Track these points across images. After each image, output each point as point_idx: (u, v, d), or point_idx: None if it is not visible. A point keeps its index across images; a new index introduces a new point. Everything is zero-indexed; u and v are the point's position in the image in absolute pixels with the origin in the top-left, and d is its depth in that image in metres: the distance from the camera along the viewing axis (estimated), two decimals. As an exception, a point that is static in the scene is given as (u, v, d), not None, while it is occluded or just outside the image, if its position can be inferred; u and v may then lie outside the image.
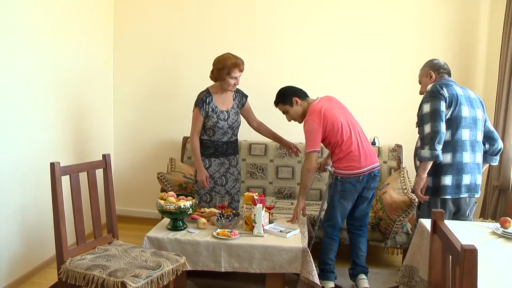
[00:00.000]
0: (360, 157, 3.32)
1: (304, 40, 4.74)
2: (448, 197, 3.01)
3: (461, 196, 3.02)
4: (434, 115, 2.93)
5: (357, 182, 3.32)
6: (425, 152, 2.93)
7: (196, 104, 3.57)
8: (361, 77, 4.68)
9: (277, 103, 3.50)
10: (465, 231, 2.65)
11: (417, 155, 3.02)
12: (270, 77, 4.70)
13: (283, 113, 3.51)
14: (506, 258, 2.23)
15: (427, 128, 2.93)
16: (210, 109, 3.54)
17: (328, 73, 4.73)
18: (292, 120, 3.53)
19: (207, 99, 3.55)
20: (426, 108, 2.97)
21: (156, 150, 5.04)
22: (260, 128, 3.84)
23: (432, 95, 2.97)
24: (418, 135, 3.05)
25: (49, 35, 3.78)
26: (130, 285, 2.37)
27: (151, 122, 5.03)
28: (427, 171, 3.00)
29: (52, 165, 2.61)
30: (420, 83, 3.29)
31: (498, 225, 2.67)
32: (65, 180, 2.71)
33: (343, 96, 4.67)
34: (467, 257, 1.47)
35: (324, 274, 3.44)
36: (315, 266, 2.98)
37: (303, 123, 3.39)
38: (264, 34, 4.78)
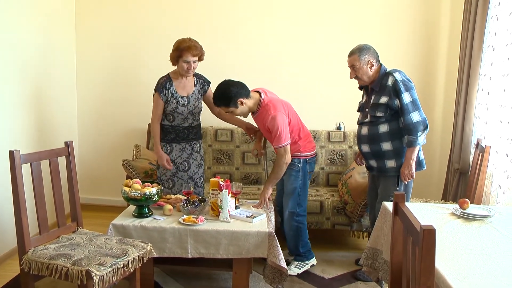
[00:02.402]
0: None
1: (267, 27, 4.73)
2: (424, 168, 3.38)
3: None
4: (416, 104, 3.18)
5: (316, 160, 3.68)
6: (421, 138, 3.18)
7: (156, 89, 3.53)
8: (325, 64, 4.72)
9: (219, 105, 3.33)
10: (426, 213, 2.73)
11: (409, 141, 3.17)
12: (233, 63, 4.69)
13: (226, 112, 3.40)
14: (464, 238, 2.31)
15: (416, 117, 3.15)
16: (170, 94, 3.51)
17: (293, 61, 4.74)
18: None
19: (167, 84, 3.51)
20: (407, 98, 3.15)
21: (121, 137, 4.97)
22: (221, 113, 3.76)
23: (407, 84, 3.18)
24: (404, 123, 3.17)
25: (8, 18, 3.65)
26: (95, 274, 2.35)
27: (116, 108, 4.95)
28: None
29: (12, 153, 2.54)
30: (351, 68, 3.31)
31: (457, 206, 2.76)
32: (26, 169, 2.65)
33: (308, 83, 4.75)
34: (426, 237, 1.51)
35: (310, 253, 3.63)
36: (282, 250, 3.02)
37: (270, 118, 3.25)
38: (228, 20, 4.74)
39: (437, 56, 4.68)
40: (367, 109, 3.36)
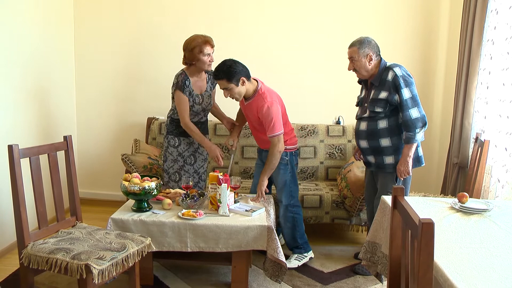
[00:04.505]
0: None
1: (265, 21, 4.72)
2: (423, 164, 3.34)
3: None
4: (416, 100, 3.13)
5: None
6: (420, 135, 3.13)
7: (177, 88, 3.47)
8: (324, 58, 4.71)
9: (221, 77, 3.26)
10: (425, 206, 2.73)
11: (407, 138, 3.13)
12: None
13: (223, 88, 3.31)
14: (462, 231, 2.31)
15: (415, 113, 3.11)
16: (187, 93, 3.50)
17: (292, 55, 4.73)
18: (229, 97, 3.38)
19: (186, 82, 3.48)
20: (407, 93, 3.11)
21: (120, 132, 4.96)
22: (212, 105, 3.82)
23: (407, 80, 3.13)
24: (403, 119, 3.14)
25: (7, 14, 3.63)
26: (94, 268, 2.35)
27: (115, 103, 4.94)
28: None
29: (10, 147, 2.54)
30: (350, 59, 3.28)
31: (456, 200, 2.76)
32: (26, 163, 2.64)
33: (307, 77, 4.74)
34: (424, 230, 1.51)
35: (308, 245, 3.66)
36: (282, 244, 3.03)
37: (265, 107, 3.28)
38: (225, 16, 4.73)
39: (436, 50, 4.67)
40: (366, 104, 3.33)
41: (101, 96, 4.94)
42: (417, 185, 4.42)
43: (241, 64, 3.33)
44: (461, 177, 3.99)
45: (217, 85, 3.69)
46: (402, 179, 3.24)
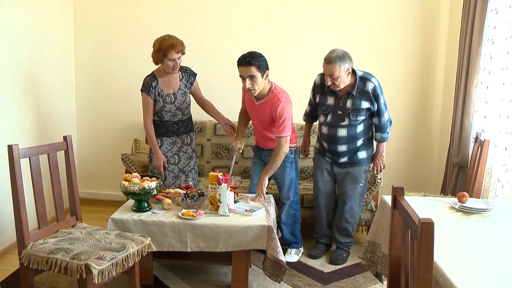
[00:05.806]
0: None
1: (266, 20, 4.70)
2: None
3: None
4: (386, 104, 3.50)
5: None
6: (389, 135, 3.59)
7: (142, 90, 3.54)
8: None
9: (252, 63, 3.16)
10: (425, 206, 2.73)
11: (382, 138, 3.59)
12: (230, 58, 4.67)
13: (247, 77, 3.20)
14: (462, 231, 2.31)
15: (387, 116, 3.53)
16: (156, 93, 3.52)
17: (292, 54, 4.72)
18: (248, 89, 3.27)
19: (153, 83, 3.51)
20: (382, 101, 3.45)
21: (120, 132, 4.96)
22: (203, 104, 3.82)
23: (381, 88, 3.43)
24: (380, 123, 3.52)
25: (7, 14, 3.63)
26: (94, 268, 2.35)
27: (115, 103, 4.93)
28: None
29: (10, 147, 2.54)
30: (330, 76, 3.29)
31: (456, 200, 2.76)
32: (25, 163, 2.64)
33: (307, 76, 4.71)
34: (424, 230, 1.51)
35: (301, 240, 3.80)
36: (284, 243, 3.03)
37: (281, 106, 3.28)
38: (226, 15, 4.72)
39: (436, 50, 4.66)
40: (339, 112, 3.44)
41: (100, 96, 4.93)
42: (417, 185, 4.42)
43: None
44: (461, 176, 3.99)
45: (196, 82, 3.71)
46: (381, 172, 3.76)
